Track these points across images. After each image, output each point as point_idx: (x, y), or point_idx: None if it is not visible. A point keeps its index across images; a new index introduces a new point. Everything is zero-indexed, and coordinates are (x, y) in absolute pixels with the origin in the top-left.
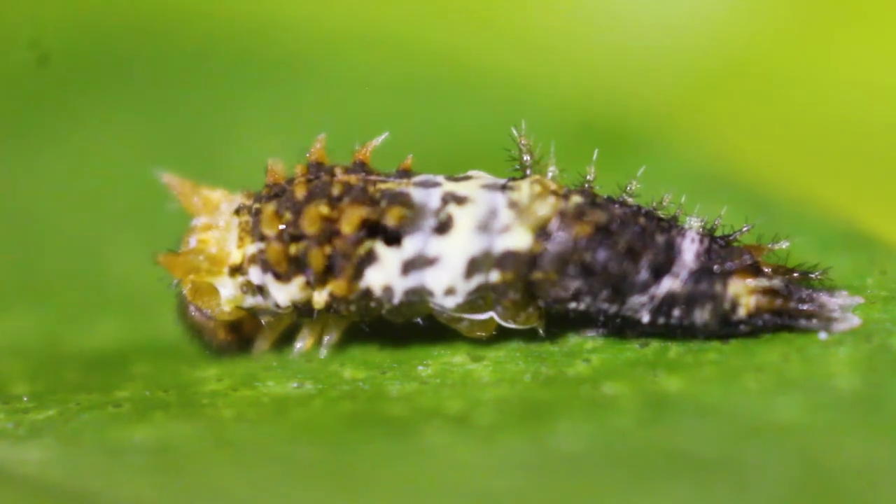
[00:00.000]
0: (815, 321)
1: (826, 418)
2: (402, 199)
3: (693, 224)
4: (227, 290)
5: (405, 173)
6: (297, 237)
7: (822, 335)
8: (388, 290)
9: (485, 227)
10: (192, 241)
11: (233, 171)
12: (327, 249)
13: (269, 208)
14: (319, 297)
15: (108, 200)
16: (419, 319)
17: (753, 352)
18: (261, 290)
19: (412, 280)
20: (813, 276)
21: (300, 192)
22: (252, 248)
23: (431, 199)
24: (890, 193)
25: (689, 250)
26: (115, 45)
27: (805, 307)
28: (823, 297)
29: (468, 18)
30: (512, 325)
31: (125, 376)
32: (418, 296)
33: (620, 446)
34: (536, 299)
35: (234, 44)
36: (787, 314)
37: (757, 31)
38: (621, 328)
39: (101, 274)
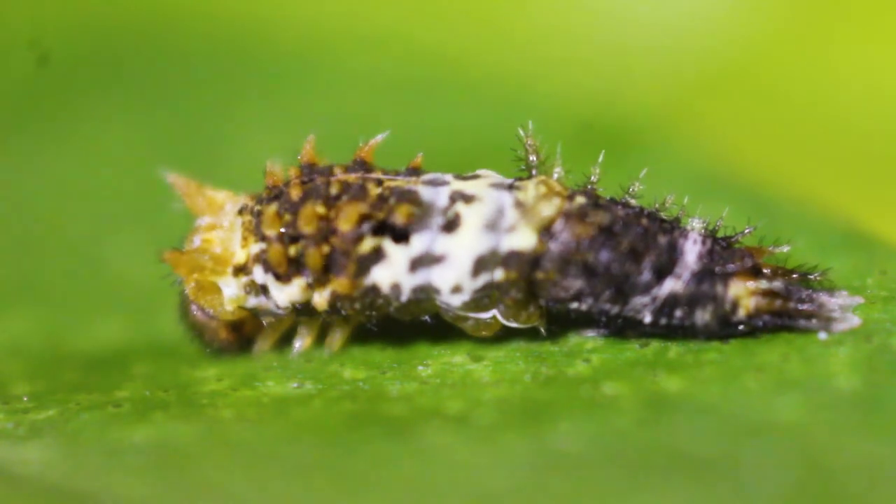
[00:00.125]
0: (814, 321)
1: (826, 418)
2: (410, 197)
3: (695, 225)
4: (231, 290)
5: (414, 171)
6: (295, 238)
7: (822, 335)
8: (395, 288)
9: (492, 226)
10: (197, 241)
11: (233, 171)
12: (325, 248)
13: (271, 209)
14: (321, 298)
15: (108, 200)
16: (427, 318)
17: (753, 352)
18: (264, 289)
19: (419, 278)
20: (812, 277)
21: (296, 194)
22: (255, 247)
23: (440, 197)
24: (890, 193)
25: (692, 251)
26: (115, 45)
27: (805, 307)
28: (823, 298)
29: (468, 18)
30: (514, 325)
31: (125, 376)
32: (425, 293)
33: (620, 446)
34: (538, 298)
35: (234, 44)
36: (786, 315)
37: (757, 32)
38: (622, 328)
39: (101, 274)
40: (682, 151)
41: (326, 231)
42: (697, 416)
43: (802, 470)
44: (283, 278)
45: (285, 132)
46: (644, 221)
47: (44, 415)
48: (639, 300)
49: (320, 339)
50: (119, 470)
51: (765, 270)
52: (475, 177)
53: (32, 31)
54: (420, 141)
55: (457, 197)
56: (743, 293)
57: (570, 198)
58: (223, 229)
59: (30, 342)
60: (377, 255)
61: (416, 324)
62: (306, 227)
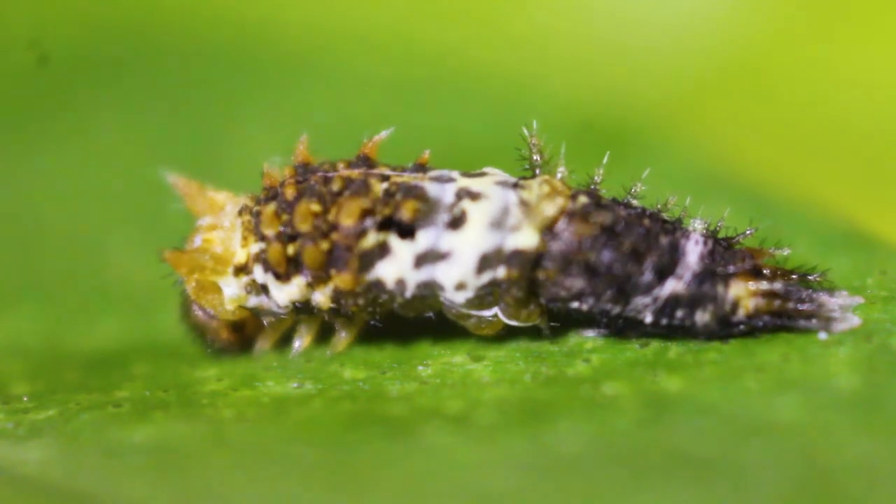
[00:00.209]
0: (814, 321)
1: (826, 418)
2: (417, 193)
3: (697, 226)
4: (231, 290)
5: (420, 167)
6: (293, 237)
7: (822, 335)
8: (400, 283)
9: (498, 224)
10: (198, 241)
11: (233, 171)
12: (324, 245)
13: (269, 209)
14: (323, 296)
15: (108, 200)
16: (431, 314)
17: (753, 352)
18: (264, 289)
19: (424, 274)
20: (812, 277)
21: (290, 193)
22: (255, 247)
23: (446, 193)
24: (890, 193)
25: (693, 252)
26: (115, 45)
27: (804, 307)
28: (823, 297)
29: (468, 18)
30: (514, 323)
31: (125, 376)
32: (430, 290)
33: (620, 446)
34: (538, 297)
35: (234, 44)
36: (786, 315)
37: (757, 31)
38: (623, 328)
39: (101, 274)
40: (682, 151)
41: (325, 228)
42: (697, 416)
43: (802, 470)
44: (282, 277)
45: (285, 132)
46: (646, 222)
47: (44, 415)
48: (640, 300)
49: (320, 338)
50: (119, 470)
51: (765, 271)
52: (482, 174)
53: (32, 31)
54: (420, 141)
55: (463, 194)
56: (743, 294)
57: (573, 197)
58: (224, 229)
59: (30, 342)
60: (382, 250)
61: (416, 324)
62: (302, 225)
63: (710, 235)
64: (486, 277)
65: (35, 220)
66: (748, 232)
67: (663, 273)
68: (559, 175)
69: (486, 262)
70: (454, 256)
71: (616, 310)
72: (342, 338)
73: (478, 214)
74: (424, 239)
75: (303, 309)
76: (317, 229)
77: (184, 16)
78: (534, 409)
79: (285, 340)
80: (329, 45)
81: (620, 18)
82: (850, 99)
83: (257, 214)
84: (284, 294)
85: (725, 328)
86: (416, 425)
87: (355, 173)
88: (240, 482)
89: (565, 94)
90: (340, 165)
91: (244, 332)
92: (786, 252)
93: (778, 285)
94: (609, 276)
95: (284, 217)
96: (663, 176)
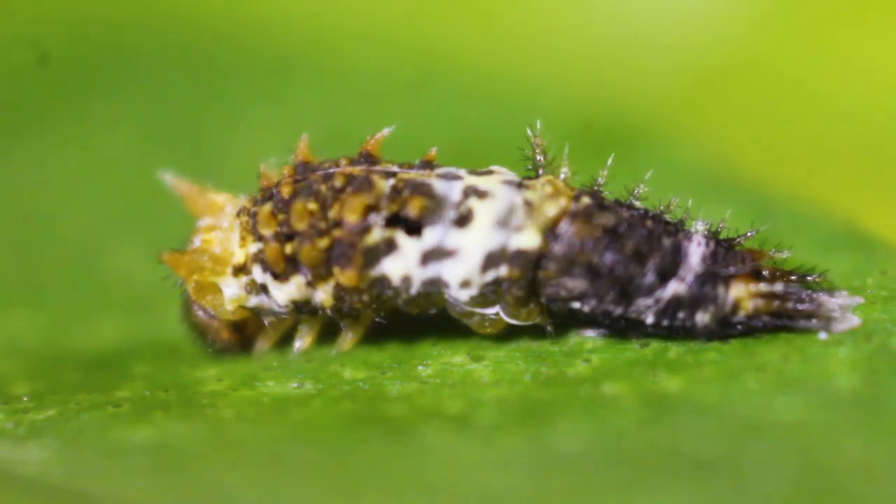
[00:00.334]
0: (814, 321)
1: (826, 418)
2: (424, 190)
3: (699, 227)
4: (231, 290)
5: (427, 164)
6: (290, 236)
7: (822, 335)
8: (406, 280)
9: (503, 223)
10: (197, 242)
11: (233, 171)
12: (322, 243)
13: (265, 209)
14: (325, 294)
15: (108, 200)
16: (433, 311)
17: (753, 352)
18: (263, 289)
19: (430, 271)
20: (811, 278)
21: (286, 192)
22: (253, 247)
23: (453, 191)
24: (890, 193)
25: (696, 254)
26: (115, 45)
27: (804, 307)
28: (823, 297)
29: (468, 18)
30: (515, 322)
31: (125, 376)
32: (435, 287)
33: (620, 446)
34: (538, 296)
35: (233, 44)
36: (786, 315)
37: (758, 31)
38: (624, 329)
39: (101, 274)
40: (682, 150)
41: (326, 225)
42: (697, 416)
43: (802, 470)
44: (280, 277)
45: (285, 132)
46: (649, 223)
47: (44, 415)
48: (642, 302)
49: (321, 338)
50: (119, 470)
51: (765, 273)
52: (489, 172)
53: (33, 30)
54: (420, 141)
55: (470, 192)
56: (744, 295)
57: (576, 198)
58: (222, 230)
59: (30, 342)
60: (389, 246)
61: (416, 324)
62: (298, 224)
63: (712, 237)
64: (491, 276)
65: (35, 221)
66: (749, 233)
67: (666, 275)
68: (562, 175)
69: (491, 261)
70: (460, 254)
71: (618, 311)
72: (349, 338)
73: (484, 213)
74: (431, 236)
75: (305, 308)
76: (314, 227)
77: (184, 16)
78: (534, 409)
79: (285, 340)
80: (330, 44)
81: (621, 17)
82: (850, 99)
83: (254, 215)
84: (284, 293)
85: (725, 328)
86: (416, 425)
87: (357, 170)
88: (240, 482)
89: (566, 93)
90: (343, 162)
91: (245, 333)
92: (785, 254)
93: (778, 286)
94: (611, 277)
95: (281, 216)
96: (664, 175)
